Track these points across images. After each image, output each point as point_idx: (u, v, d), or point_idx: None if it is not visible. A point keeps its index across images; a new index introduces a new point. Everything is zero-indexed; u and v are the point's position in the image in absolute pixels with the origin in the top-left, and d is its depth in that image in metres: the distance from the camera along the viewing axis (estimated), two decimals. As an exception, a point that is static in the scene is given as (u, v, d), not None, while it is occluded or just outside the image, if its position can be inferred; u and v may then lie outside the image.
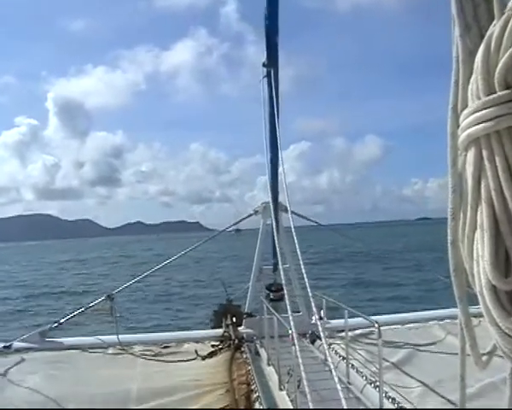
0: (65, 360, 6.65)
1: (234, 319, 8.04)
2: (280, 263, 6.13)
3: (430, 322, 7.65)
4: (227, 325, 7.89)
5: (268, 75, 7.02)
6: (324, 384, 5.04)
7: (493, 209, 1.01)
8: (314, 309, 5.11)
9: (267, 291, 8.52)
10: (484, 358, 1.19)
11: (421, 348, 6.64)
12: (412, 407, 4.87)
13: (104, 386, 5.75)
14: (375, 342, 5.80)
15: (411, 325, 7.69)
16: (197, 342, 7.46)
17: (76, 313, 7.91)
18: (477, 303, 1.11)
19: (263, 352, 6.97)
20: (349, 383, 5.65)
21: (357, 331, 7.17)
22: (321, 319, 6.72)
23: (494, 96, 1.00)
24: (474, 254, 1.08)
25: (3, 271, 57.92)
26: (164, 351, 7.12)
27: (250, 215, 9.03)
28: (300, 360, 4.00)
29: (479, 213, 1.06)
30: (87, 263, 66.11)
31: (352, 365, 6.03)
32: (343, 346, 6.44)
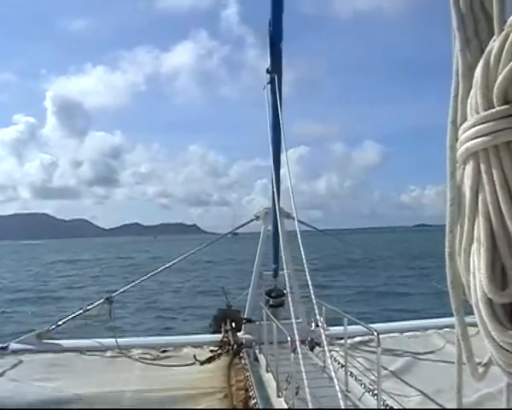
0: (62, 363, 6.62)
1: (233, 325, 8.03)
2: (285, 269, 6.13)
3: (429, 330, 7.63)
4: (226, 331, 7.88)
5: (272, 81, 7.05)
6: (323, 392, 5.02)
7: (490, 223, 1.02)
8: (318, 316, 5.12)
9: (267, 297, 8.51)
10: (480, 369, 1.19)
11: (420, 356, 6.62)
12: None
13: (101, 389, 5.73)
14: (374, 350, 5.78)
15: (410, 333, 7.67)
16: (196, 346, 7.44)
17: (74, 315, 7.87)
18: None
19: (262, 358, 6.96)
20: (347, 390, 5.63)
21: (357, 339, 7.15)
22: (321, 325, 6.71)
23: (493, 110, 1.01)
24: (471, 267, 1.09)
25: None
26: (162, 355, 7.11)
27: (251, 221, 9.04)
28: (300, 367, 3.99)
29: (476, 226, 1.07)
30: (78, 264, 64.37)
31: (351, 372, 6.01)
32: (342, 353, 6.43)
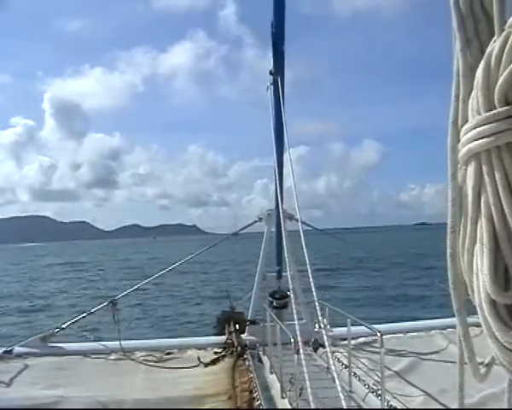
0: (66, 366, 6.64)
1: (237, 326, 8.04)
2: (289, 271, 6.13)
3: (432, 331, 7.63)
4: (230, 332, 7.89)
5: (275, 83, 7.07)
6: (326, 393, 5.02)
7: (493, 224, 1.03)
8: (320, 317, 5.11)
9: (270, 299, 8.52)
10: (482, 370, 1.19)
11: (423, 356, 6.62)
12: None
13: (106, 392, 5.74)
14: (377, 350, 5.78)
15: (414, 333, 7.67)
16: (200, 348, 7.45)
17: (78, 318, 7.89)
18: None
19: (265, 359, 6.97)
20: (351, 391, 5.63)
21: (360, 340, 7.16)
22: (324, 327, 6.72)
23: (494, 111, 1.01)
24: (474, 268, 1.09)
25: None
26: (166, 357, 7.12)
27: (254, 222, 9.04)
28: (303, 369, 3.99)
29: (478, 227, 1.07)
30: (75, 267, 62.95)
31: (355, 373, 6.02)
32: (346, 354, 6.43)
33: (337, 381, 3.65)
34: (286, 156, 6.90)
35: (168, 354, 7.25)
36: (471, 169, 1.08)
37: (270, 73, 7.16)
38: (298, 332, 4.30)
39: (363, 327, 6.07)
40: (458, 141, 1.13)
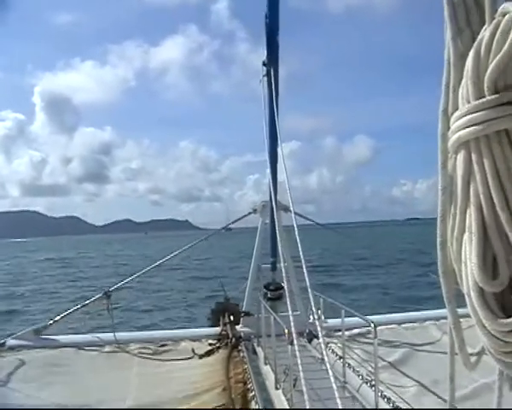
0: (60, 359, 6.61)
1: (231, 318, 8.05)
2: (283, 262, 6.12)
3: (426, 322, 7.66)
4: (224, 324, 7.90)
5: (268, 74, 7.02)
6: (320, 383, 5.04)
7: (481, 213, 1.02)
8: (313, 309, 5.12)
9: (265, 290, 8.54)
10: (473, 359, 1.20)
11: (417, 347, 6.66)
12: (407, 407, 4.88)
13: (100, 385, 5.74)
14: (371, 341, 5.81)
15: (408, 324, 7.70)
16: (194, 340, 7.46)
17: (72, 310, 7.85)
18: None
19: (260, 351, 6.98)
20: (345, 382, 5.66)
21: (354, 331, 7.19)
22: (318, 318, 6.74)
23: (484, 100, 1.01)
24: (463, 257, 1.09)
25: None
26: (161, 349, 7.12)
27: (249, 214, 9.04)
28: (297, 360, 4.01)
29: (467, 215, 1.07)
30: (62, 262, 61.71)
31: (349, 364, 6.04)
32: (340, 345, 6.46)
33: (331, 372, 3.66)
34: (278, 150, 6.90)
35: (162, 345, 7.25)
36: (460, 157, 1.08)
37: (264, 64, 7.10)
38: (292, 323, 4.31)
39: (357, 318, 6.09)
40: (449, 129, 1.13)
